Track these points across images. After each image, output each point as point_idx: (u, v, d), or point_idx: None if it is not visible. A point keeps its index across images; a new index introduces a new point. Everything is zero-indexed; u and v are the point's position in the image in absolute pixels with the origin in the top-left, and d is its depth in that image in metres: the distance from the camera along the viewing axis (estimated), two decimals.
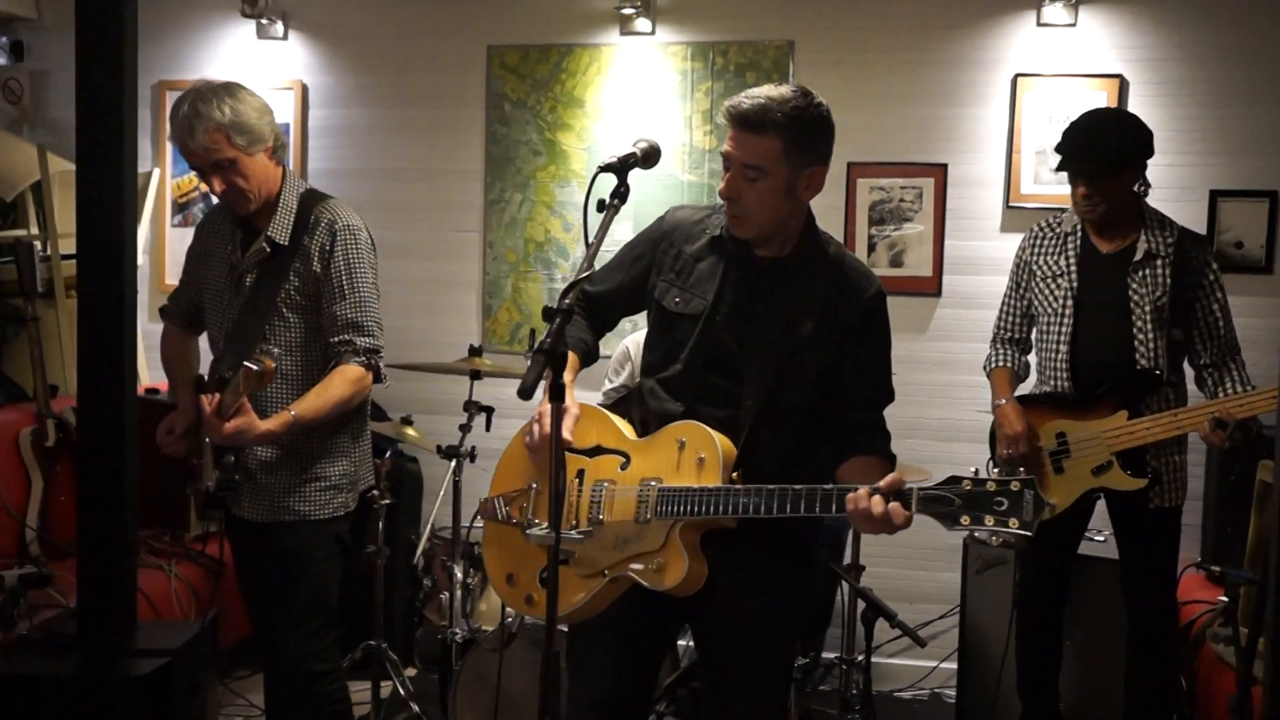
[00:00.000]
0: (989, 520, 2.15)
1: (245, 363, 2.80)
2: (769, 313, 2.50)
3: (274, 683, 3.26)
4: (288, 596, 3.12)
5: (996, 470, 3.79)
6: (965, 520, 2.16)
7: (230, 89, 3.05)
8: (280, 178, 3.13)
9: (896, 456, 2.56)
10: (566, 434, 2.40)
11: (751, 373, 2.49)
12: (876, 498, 2.23)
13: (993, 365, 3.90)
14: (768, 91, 2.40)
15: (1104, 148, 3.54)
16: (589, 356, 2.73)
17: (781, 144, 2.39)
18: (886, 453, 2.53)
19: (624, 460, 2.54)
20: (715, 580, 2.46)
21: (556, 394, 2.15)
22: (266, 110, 3.09)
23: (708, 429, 2.45)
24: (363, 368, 3.06)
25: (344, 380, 3.03)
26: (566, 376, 2.51)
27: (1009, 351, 3.88)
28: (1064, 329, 3.68)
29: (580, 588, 2.50)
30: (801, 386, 2.49)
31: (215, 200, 3.19)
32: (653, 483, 2.47)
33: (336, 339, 3.07)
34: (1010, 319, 3.89)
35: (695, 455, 2.44)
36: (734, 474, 2.44)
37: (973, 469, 2.24)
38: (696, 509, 2.39)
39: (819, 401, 2.51)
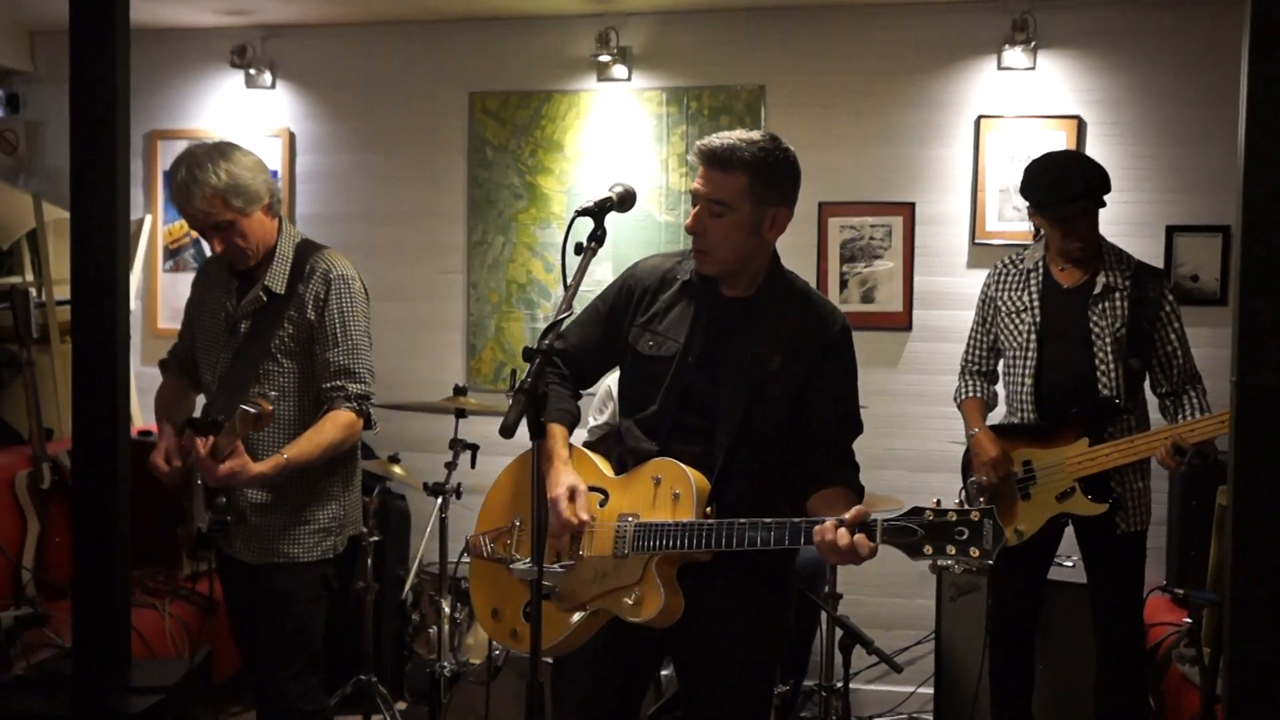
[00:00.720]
0: (950, 550, 2.17)
1: (242, 406, 2.80)
2: (738, 349, 2.53)
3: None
4: (274, 636, 3.11)
5: (962, 497, 3.82)
6: (928, 550, 2.18)
7: (224, 150, 3.06)
8: (276, 229, 3.15)
9: (864, 488, 2.57)
10: (584, 515, 2.48)
11: (723, 408, 2.51)
12: (842, 530, 2.25)
13: (963, 396, 3.93)
14: (739, 134, 2.46)
15: (1095, 183, 3.60)
16: (576, 420, 2.73)
17: (747, 181, 2.44)
18: (854, 484, 2.55)
19: (603, 497, 2.57)
20: (693, 611, 2.48)
21: (538, 432, 2.18)
22: (260, 168, 3.11)
23: (682, 466, 2.47)
24: (353, 413, 3.07)
25: (335, 425, 3.03)
26: (561, 451, 2.57)
27: (978, 383, 3.92)
28: (1028, 362, 3.72)
29: (561, 622, 2.51)
30: (771, 418, 2.51)
31: (209, 251, 3.21)
32: (630, 518, 2.49)
33: (329, 385, 3.08)
34: (978, 352, 3.93)
35: (670, 491, 2.46)
36: (708, 508, 2.46)
37: (935, 499, 2.25)
38: (671, 543, 2.41)
39: (789, 433, 2.53)
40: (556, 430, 2.62)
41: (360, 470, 3.31)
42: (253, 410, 2.79)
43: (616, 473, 2.61)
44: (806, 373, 2.52)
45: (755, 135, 2.46)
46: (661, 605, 2.42)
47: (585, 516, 2.48)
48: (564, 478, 2.52)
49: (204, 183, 3.00)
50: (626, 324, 2.66)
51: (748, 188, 2.44)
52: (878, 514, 2.28)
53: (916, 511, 2.22)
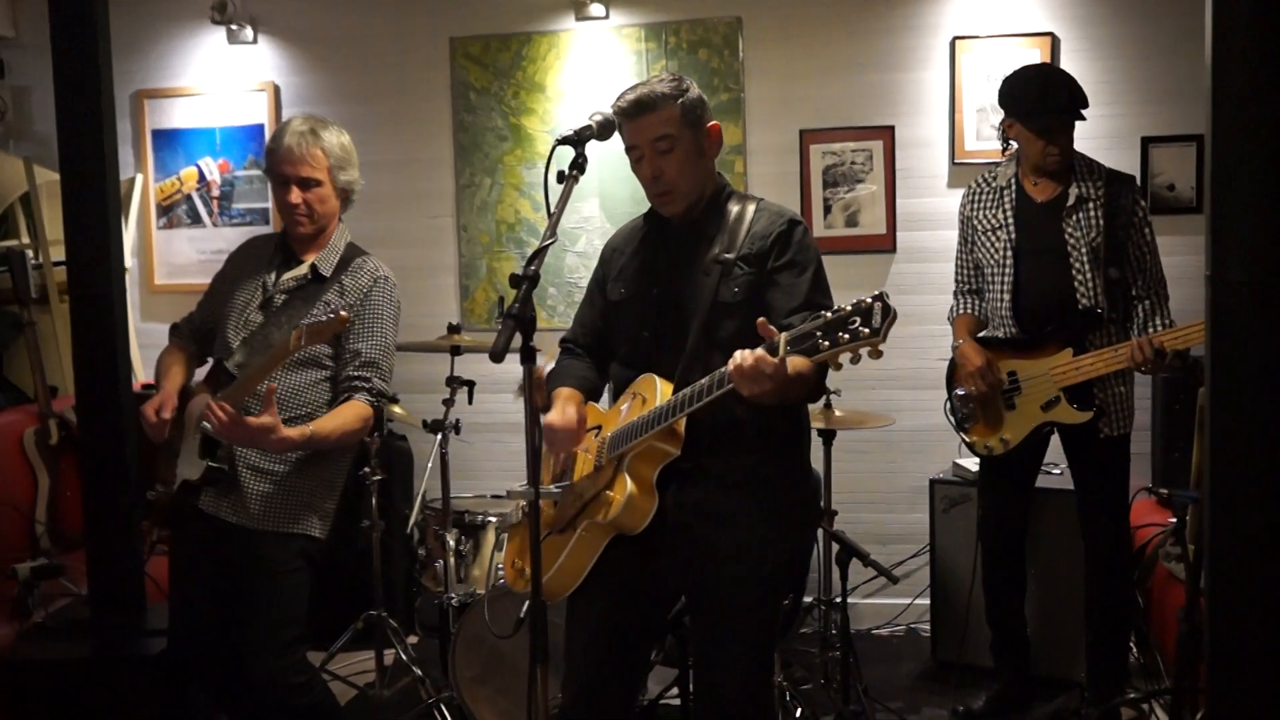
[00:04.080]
0: (844, 337, 2.09)
1: (311, 319, 2.80)
2: (695, 268, 2.58)
3: (253, 699, 3.05)
4: (265, 606, 2.99)
5: (947, 409, 3.84)
6: (824, 344, 2.11)
7: (344, 132, 3.19)
8: (337, 224, 3.20)
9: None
10: (572, 415, 2.56)
11: (690, 322, 2.54)
12: (744, 352, 2.22)
13: (955, 314, 3.94)
14: (644, 83, 2.60)
15: (1072, 98, 3.57)
16: (594, 392, 2.77)
17: (678, 111, 2.55)
18: None
19: (598, 430, 2.63)
20: (682, 522, 2.51)
21: (528, 356, 2.18)
22: (357, 168, 3.21)
23: (654, 377, 2.53)
24: (371, 408, 3.03)
25: (355, 415, 2.99)
26: (570, 408, 2.60)
27: (970, 300, 3.92)
28: (1006, 277, 3.72)
29: (558, 547, 2.55)
30: (732, 320, 2.52)
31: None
32: (609, 435, 2.55)
33: (354, 373, 3.03)
34: (965, 272, 3.93)
35: (640, 399, 2.53)
36: None
37: (838, 304, 2.17)
38: (633, 435, 2.46)
39: (752, 331, 2.51)
40: (560, 391, 2.66)
41: (344, 475, 3.23)
42: (324, 318, 2.76)
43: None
44: (760, 269, 2.53)
45: (659, 77, 2.61)
46: (626, 498, 2.43)
47: (572, 413, 2.56)
48: (555, 405, 2.59)
49: (323, 138, 3.10)
50: (606, 286, 2.76)
51: (680, 116, 2.55)
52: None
53: (816, 317, 2.17)
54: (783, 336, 2.19)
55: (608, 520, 2.47)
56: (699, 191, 2.61)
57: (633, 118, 2.56)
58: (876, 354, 2.08)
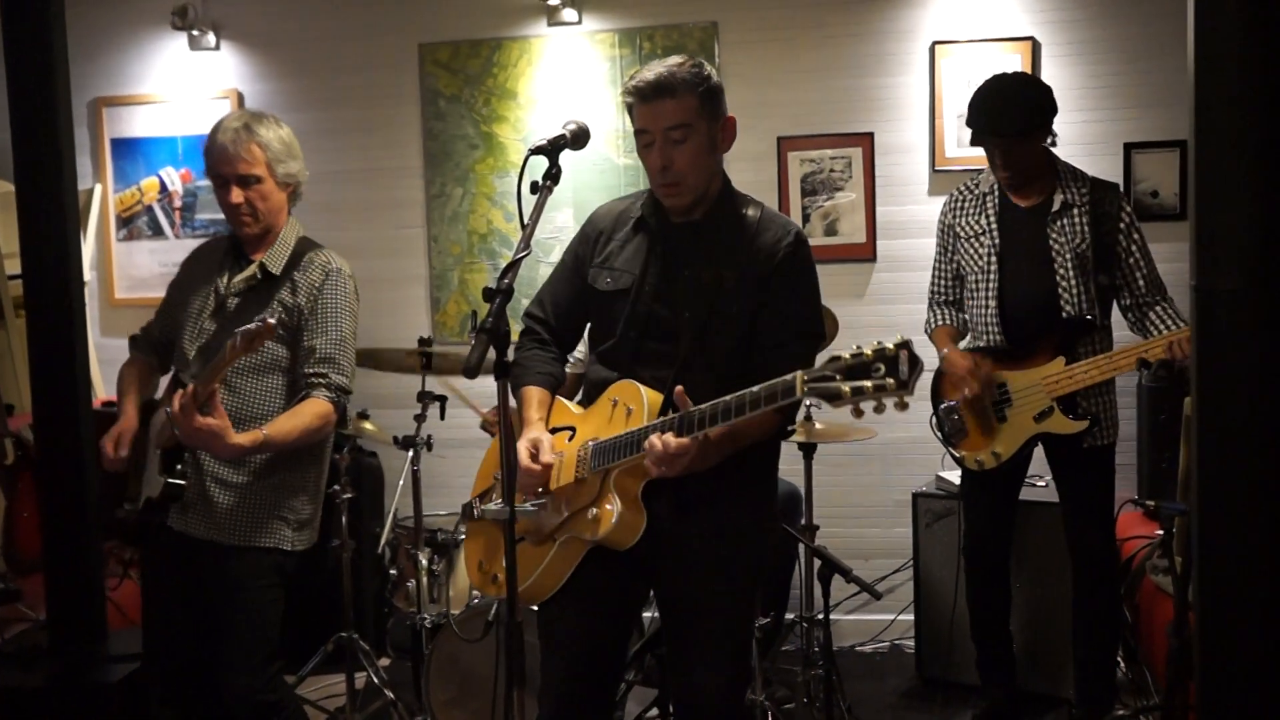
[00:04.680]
0: (867, 385, 2.08)
1: (241, 328, 2.71)
2: (693, 274, 2.54)
3: (215, 713, 3.05)
4: (233, 624, 2.97)
5: (933, 423, 3.84)
6: (845, 390, 2.10)
7: (281, 124, 3.13)
8: (286, 217, 3.16)
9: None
10: (547, 457, 2.51)
11: (681, 330, 2.52)
12: (655, 438, 2.31)
13: (933, 326, 3.94)
14: (662, 63, 2.51)
15: (1013, 114, 3.58)
16: (558, 387, 2.74)
17: (697, 100, 2.49)
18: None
19: (571, 433, 2.60)
20: (670, 542, 2.50)
21: (502, 371, 2.18)
22: (301, 159, 3.17)
23: (637, 385, 2.50)
24: (331, 404, 3.01)
25: (313, 412, 2.97)
26: (534, 414, 2.60)
27: (947, 312, 3.92)
28: (990, 284, 3.73)
29: (535, 558, 2.54)
30: (727, 336, 2.52)
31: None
32: (590, 443, 2.52)
33: (311, 371, 3.01)
34: (943, 282, 3.93)
35: (624, 409, 2.49)
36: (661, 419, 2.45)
37: (855, 345, 2.18)
38: (622, 453, 2.43)
39: (747, 351, 2.53)
40: (531, 394, 2.65)
41: (324, 476, 3.20)
42: (254, 326, 2.69)
43: (585, 408, 2.63)
44: (760, 290, 2.52)
45: (678, 59, 2.52)
46: (616, 518, 2.42)
47: (548, 458, 2.50)
48: (528, 432, 2.55)
49: (258, 133, 3.04)
50: (587, 269, 2.67)
51: (699, 105, 2.49)
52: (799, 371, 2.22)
53: (835, 359, 2.17)
54: (799, 375, 2.18)
55: (596, 538, 2.46)
56: (706, 186, 2.57)
57: (648, 100, 2.48)
58: (903, 406, 2.08)
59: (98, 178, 5.32)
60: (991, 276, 3.72)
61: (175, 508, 2.97)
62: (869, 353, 2.11)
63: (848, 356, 2.14)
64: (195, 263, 3.24)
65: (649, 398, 2.47)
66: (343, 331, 3.07)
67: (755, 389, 2.27)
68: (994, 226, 3.73)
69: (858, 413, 2.13)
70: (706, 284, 2.51)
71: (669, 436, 2.30)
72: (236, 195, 3.04)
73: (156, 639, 3.13)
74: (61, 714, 3.12)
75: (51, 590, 3.40)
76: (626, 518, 2.44)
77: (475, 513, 2.65)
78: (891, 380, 2.07)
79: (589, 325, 2.75)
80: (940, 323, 3.92)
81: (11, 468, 4.31)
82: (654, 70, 2.48)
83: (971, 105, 3.68)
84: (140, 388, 3.19)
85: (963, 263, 3.82)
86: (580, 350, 4.18)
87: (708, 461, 2.39)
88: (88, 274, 4.97)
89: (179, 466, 2.93)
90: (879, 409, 2.11)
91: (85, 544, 3.42)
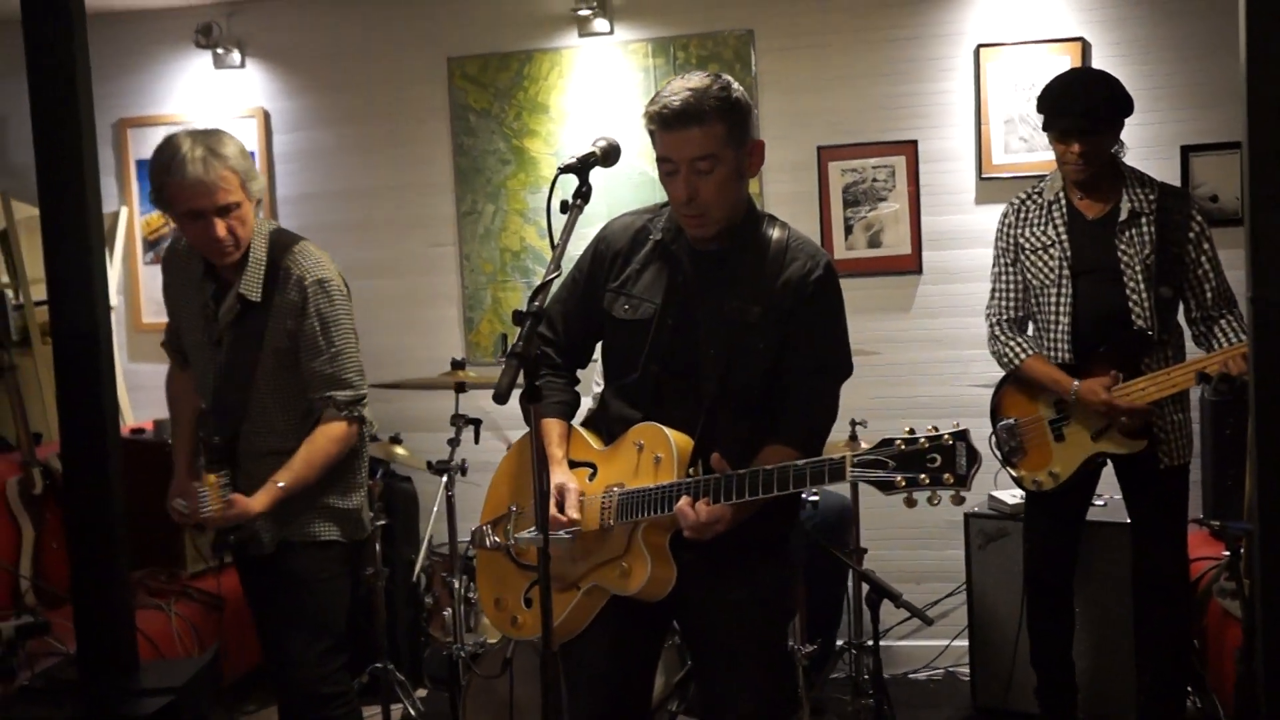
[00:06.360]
0: (924, 479, 2.12)
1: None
2: (717, 306, 2.52)
3: (287, 711, 3.29)
4: (296, 618, 3.16)
5: (992, 443, 3.81)
6: (900, 482, 2.14)
7: (227, 134, 3.06)
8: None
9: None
10: (573, 513, 2.48)
11: (704, 368, 2.50)
12: (686, 507, 2.34)
13: (1021, 358, 3.71)
14: (686, 84, 2.42)
15: (1097, 103, 3.55)
16: (572, 410, 2.75)
17: (724, 128, 2.42)
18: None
19: (591, 471, 2.59)
20: (694, 584, 2.50)
21: (533, 396, 2.19)
22: (254, 163, 3.17)
23: (663, 429, 2.47)
24: (345, 422, 3.10)
25: (327, 439, 3.07)
26: (557, 451, 2.59)
27: (1022, 337, 3.75)
28: (1063, 300, 3.66)
29: (559, 604, 2.52)
30: (754, 373, 2.51)
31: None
32: (615, 489, 2.50)
33: (317, 395, 3.11)
34: (1010, 298, 3.79)
35: (652, 456, 2.47)
36: (690, 469, 2.45)
37: (906, 428, 2.20)
38: (652, 509, 2.42)
39: (772, 387, 2.53)
40: (551, 427, 2.64)
41: (365, 463, 3.34)
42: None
43: (606, 443, 2.62)
44: (785, 324, 2.51)
45: (703, 79, 2.43)
46: (648, 575, 2.43)
47: (574, 515, 2.49)
48: (554, 478, 2.53)
49: (225, 158, 2.99)
50: (601, 289, 2.65)
51: (726, 133, 2.43)
52: (845, 453, 2.26)
53: (887, 443, 2.19)
54: (849, 459, 2.20)
55: (627, 593, 2.47)
56: (733, 216, 2.52)
57: (672, 129, 2.41)
58: (959, 500, 2.10)
59: (123, 200, 5.42)
60: (1064, 290, 3.65)
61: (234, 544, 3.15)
62: (924, 441, 2.13)
63: (901, 444, 2.15)
64: (175, 268, 3.27)
65: (677, 444, 2.45)
66: (336, 345, 3.11)
67: (800, 464, 2.29)
68: (1064, 238, 3.66)
69: (910, 503, 2.15)
70: (731, 318, 2.49)
71: (701, 505, 2.31)
72: (220, 228, 3.00)
73: (261, 639, 3.34)
74: None
75: (81, 622, 3.44)
76: (658, 573, 2.44)
77: (488, 541, 2.67)
78: (949, 476, 2.11)
79: (602, 350, 2.73)
80: (1030, 352, 3.71)
81: (39, 498, 4.38)
82: (678, 95, 2.39)
83: (1051, 94, 3.62)
84: (189, 415, 3.33)
85: (1029, 277, 3.75)
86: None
87: (738, 521, 2.40)
88: (114, 298, 5.06)
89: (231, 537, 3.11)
90: (934, 501, 2.13)
91: (114, 575, 3.45)
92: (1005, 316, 3.80)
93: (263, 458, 3.12)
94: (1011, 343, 3.75)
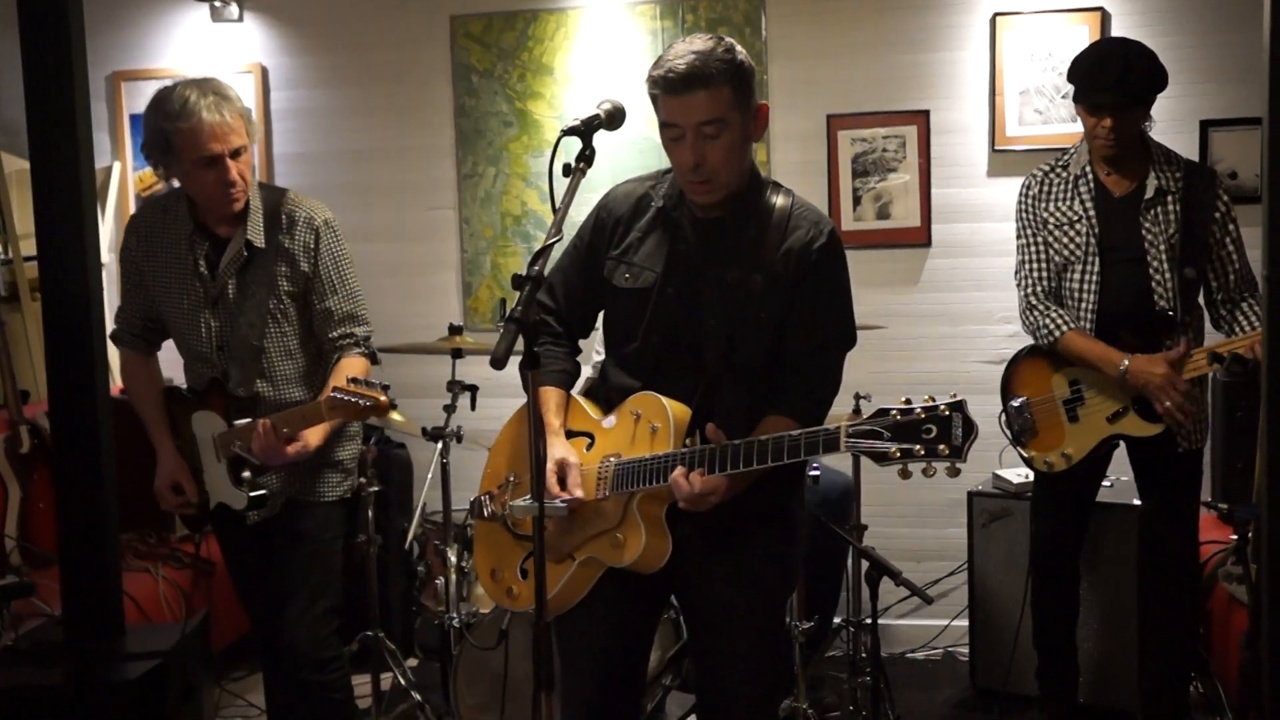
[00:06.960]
0: (918, 449, 2.11)
1: (339, 394, 2.85)
2: (718, 275, 2.50)
3: (275, 676, 3.32)
4: (298, 578, 3.19)
5: (1002, 421, 3.78)
6: (895, 452, 2.13)
7: (225, 83, 3.10)
8: None
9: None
10: (576, 490, 2.48)
11: (706, 338, 2.49)
12: (680, 478, 2.33)
13: (1060, 332, 3.58)
14: (690, 47, 2.40)
15: (1136, 77, 3.49)
16: (572, 380, 2.73)
17: (731, 91, 2.40)
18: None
19: (589, 441, 2.58)
20: (687, 552, 2.49)
21: (531, 362, 2.18)
22: None
23: (660, 398, 2.47)
24: (365, 358, 3.20)
25: (357, 372, 3.09)
26: (554, 421, 2.58)
27: (1056, 309, 3.64)
28: (1090, 277, 3.60)
29: (554, 575, 2.53)
30: (756, 343, 2.49)
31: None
32: (611, 459, 2.50)
33: (336, 333, 3.18)
34: (1042, 266, 3.68)
35: (649, 426, 2.47)
36: (688, 439, 2.44)
37: (903, 398, 2.19)
38: (647, 480, 2.42)
39: (775, 358, 2.51)
40: (548, 395, 2.62)
41: None
42: (365, 404, 2.83)
43: (605, 413, 2.61)
44: (789, 292, 2.49)
45: (707, 42, 2.41)
46: (643, 546, 2.43)
47: (578, 493, 2.48)
48: (554, 451, 2.52)
49: (232, 100, 3.05)
50: (602, 257, 2.63)
51: (733, 98, 2.41)
52: (841, 422, 2.25)
53: (882, 413, 2.18)
54: (844, 428, 2.19)
55: (621, 565, 2.47)
56: (739, 181, 2.50)
57: (678, 93, 2.39)
58: (954, 472, 2.10)
59: (116, 155, 5.39)
60: (1092, 268, 3.59)
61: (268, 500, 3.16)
62: (920, 411, 2.12)
63: (896, 414, 2.14)
64: (151, 235, 3.24)
65: (674, 414, 2.44)
66: (350, 284, 3.21)
67: (795, 434, 2.28)
68: (1092, 212, 3.60)
69: (905, 474, 2.15)
70: (733, 287, 2.47)
71: (695, 476, 2.31)
72: (233, 170, 3.04)
73: (252, 610, 3.35)
74: (79, 712, 3.17)
75: (67, 584, 3.45)
76: (653, 544, 2.44)
77: (486, 511, 2.67)
78: (944, 447, 2.09)
79: (603, 319, 2.72)
80: (1069, 326, 3.59)
81: (27, 457, 4.37)
82: (683, 57, 2.37)
83: (1085, 64, 3.55)
84: (156, 399, 3.33)
85: (1052, 253, 3.68)
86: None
87: (734, 493, 2.39)
88: (106, 255, 5.03)
89: (246, 474, 3.10)
90: (928, 472, 2.12)
91: (102, 536, 3.46)
92: (1040, 286, 3.69)
93: (282, 407, 3.13)
94: (1052, 312, 3.62)
